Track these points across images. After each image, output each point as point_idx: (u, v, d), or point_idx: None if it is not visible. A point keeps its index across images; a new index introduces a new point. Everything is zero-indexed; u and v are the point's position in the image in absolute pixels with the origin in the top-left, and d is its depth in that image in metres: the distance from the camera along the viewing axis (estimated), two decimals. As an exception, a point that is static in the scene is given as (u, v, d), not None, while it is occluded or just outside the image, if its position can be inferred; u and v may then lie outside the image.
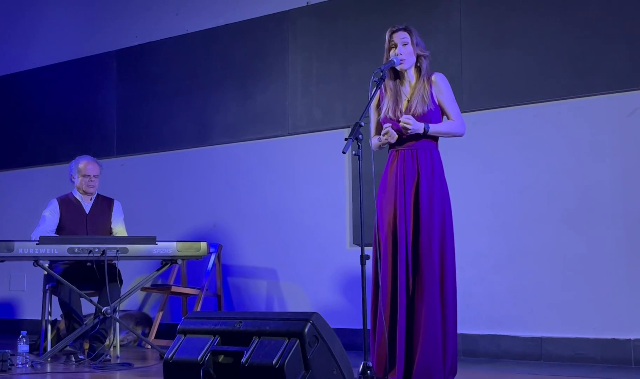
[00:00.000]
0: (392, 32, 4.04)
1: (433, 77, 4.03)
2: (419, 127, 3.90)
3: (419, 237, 3.90)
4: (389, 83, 4.06)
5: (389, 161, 4.06)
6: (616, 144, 5.05)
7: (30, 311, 7.51)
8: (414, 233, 3.92)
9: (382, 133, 3.97)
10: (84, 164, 5.53)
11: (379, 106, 4.12)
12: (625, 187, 5.00)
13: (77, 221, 5.47)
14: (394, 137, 3.92)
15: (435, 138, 4.03)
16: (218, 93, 6.77)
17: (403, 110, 4.00)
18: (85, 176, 5.50)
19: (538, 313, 5.18)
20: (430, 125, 3.93)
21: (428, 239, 3.88)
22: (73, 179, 5.57)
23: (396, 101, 4.03)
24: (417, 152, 3.98)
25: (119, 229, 5.59)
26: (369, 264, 3.80)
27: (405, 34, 4.02)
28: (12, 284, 7.71)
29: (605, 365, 4.88)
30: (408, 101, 4.02)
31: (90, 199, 5.58)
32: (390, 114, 4.03)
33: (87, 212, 5.53)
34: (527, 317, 5.22)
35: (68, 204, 5.51)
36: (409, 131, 3.90)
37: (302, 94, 6.33)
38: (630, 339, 4.88)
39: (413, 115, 3.95)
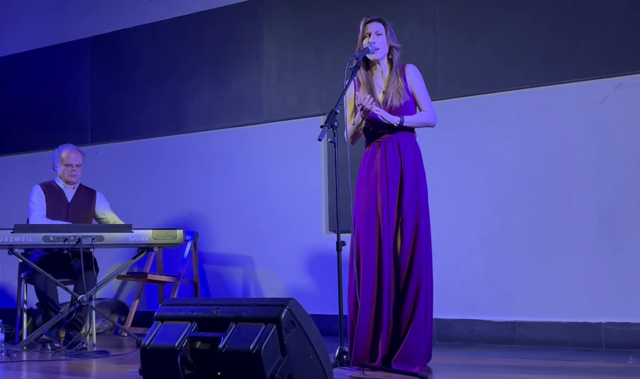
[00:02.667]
0: (367, 22, 4.07)
1: (406, 68, 4.08)
2: (395, 120, 3.94)
3: (404, 227, 3.94)
4: (361, 73, 4.09)
5: (371, 152, 4.07)
6: (588, 131, 5.12)
7: (6, 300, 7.47)
8: (399, 223, 3.96)
9: (357, 103, 3.92)
10: (67, 153, 5.50)
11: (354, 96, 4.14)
12: (596, 173, 5.07)
13: (59, 209, 5.45)
14: (370, 103, 3.89)
15: (412, 129, 4.07)
16: (193, 80, 6.76)
17: (380, 102, 4.03)
18: (67, 165, 5.48)
19: (511, 298, 5.26)
20: (405, 117, 3.96)
21: (415, 229, 3.92)
22: (56, 168, 5.54)
23: (371, 92, 4.06)
24: (398, 143, 4.01)
25: (110, 215, 5.59)
26: (345, 250, 3.84)
27: (379, 25, 4.05)
28: (-14, 273, 7.66)
29: (576, 348, 4.96)
30: (384, 93, 4.05)
31: (73, 188, 5.56)
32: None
33: (69, 200, 5.52)
34: (500, 302, 5.29)
35: (51, 191, 5.49)
36: (374, 112, 3.88)
37: (277, 82, 6.34)
38: (601, 323, 4.96)
39: (390, 107, 3.98)
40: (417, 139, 4.11)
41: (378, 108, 3.94)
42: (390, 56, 4.09)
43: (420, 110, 4.08)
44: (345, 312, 3.84)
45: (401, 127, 4.00)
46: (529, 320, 5.19)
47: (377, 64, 4.09)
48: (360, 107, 3.90)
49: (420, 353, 3.88)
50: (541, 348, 5.05)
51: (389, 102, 3.99)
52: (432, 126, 4.12)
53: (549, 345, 5.09)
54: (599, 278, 5.00)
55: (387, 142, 4.03)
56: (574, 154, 5.15)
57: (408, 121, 3.98)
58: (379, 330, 3.91)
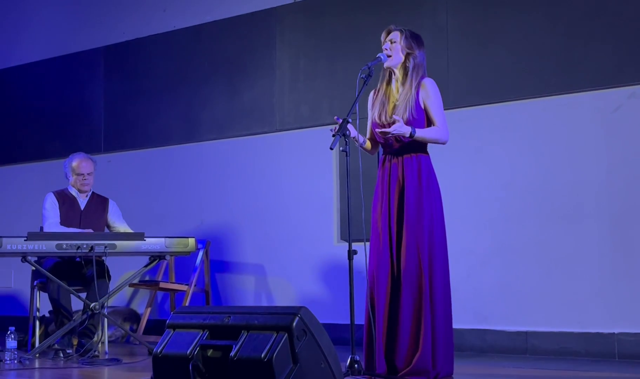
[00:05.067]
0: (388, 32, 4.07)
1: (422, 82, 4.01)
2: (406, 130, 3.88)
3: (404, 241, 3.91)
4: (382, 85, 4.09)
5: (379, 165, 4.09)
6: (601, 140, 5.11)
7: (18, 307, 7.50)
8: (398, 237, 3.95)
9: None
10: (78, 163, 5.52)
11: (373, 107, 4.14)
12: (609, 183, 5.05)
13: (72, 217, 5.47)
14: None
15: (423, 146, 4.02)
16: (205, 90, 6.79)
17: (388, 112, 4.01)
18: (79, 174, 5.49)
19: (523, 308, 5.24)
20: (416, 130, 3.90)
21: (414, 244, 3.88)
22: (68, 177, 5.57)
23: (383, 103, 4.06)
24: (402, 158, 3.98)
25: (121, 226, 5.61)
26: (357, 259, 3.83)
27: (396, 33, 4.04)
28: (-1, 281, 7.70)
29: (589, 359, 4.94)
30: (394, 105, 4.03)
31: (86, 196, 5.58)
32: (376, 118, 4.05)
33: (82, 208, 5.54)
34: (513, 311, 5.27)
35: (64, 199, 5.51)
36: (393, 134, 3.88)
37: (289, 91, 6.35)
38: (614, 333, 4.94)
39: (397, 120, 3.95)
40: (429, 154, 4.06)
41: (394, 128, 3.87)
42: (407, 64, 4.06)
43: (433, 125, 4.04)
44: (357, 321, 3.84)
45: (410, 144, 3.97)
46: (541, 330, 5.17)
47: (393, 73, 4.08)
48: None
49: (426, 365, 3.82)
50: (554, 358, 5.02)
51: (395, 115, 3.96)
52: (443, 143, 4.04)
53: (561, 355, 5.06)
54: (611, 288, 4.97)
55: (392, 157, 4.02)
56: (586, 163, 5.13)
57: (419, 133, 3.91)
58: (393, 341, 3.89)
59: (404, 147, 3.98)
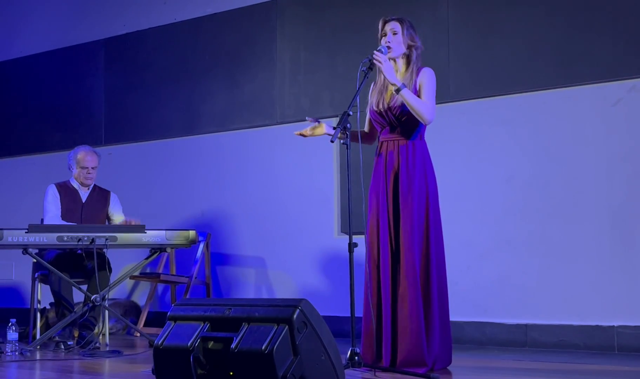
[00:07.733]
0: (385, 22, 4.08)
1: (422, 70, 4.04)
2: (397, 83, 3.85)
3: (399, 230, 3.93)
4: (380, 74, 4.09)
5: (376, 152, 4.10)
6: (601, 133, 5.11)
7: (19, 299, 7.51)
8: (395, 225, 3.96)
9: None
10: (83, 155, 5.51)
11: (371, 95, 4.16)
12: (609, 176, 5.06)
13: (73, 209, 5.48)
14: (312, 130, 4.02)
15: (418, 129, 4.03)
16: (206, 82, 6.78)
17: (386, 99, 4.03)
18: (83, 167, 5.50)
19: (523, 301, 5.25)
20: (405, 89, 3.87)
21: (408, 231, 3.89)
22: (71, 169, 5.57)
23: (381, 91, 4.07)
24: (398, 145, 4.00)
25: (119, 219, 5.61)
26: (358, 252, 3.84)
27: (396, 24, 4.04)
28: (0, 273, 7.70)
29: (589, 351, 4.95)
30: (392, 92, 4.03)
31: (88, 189, 5.59)
32: (374, 105, 4.07)
33: (84, 201, 5.54)
34: (512, 304, 5.28)
35: (66, 191, 5.52)
36: (381, 65, 3.86)
37: (290, 83, 6.35)
38: (613, 326, 4.95)
39: (394, 106, 3.96)
40: (425, 141, 4.07)
41: (387, 65, 3.87)
42: (408, 55, 4.06)
43: None
44: (357, 313, 3.85)
45: (406, 131, 3.98)
46: (540, 323, 5.18)
47: (394, 63, 4.08)
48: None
49: (420, 357, 3.83)
50: (553, 351, 5.03)
51: (393, 100, 3.97)
52: (425, 121, 3.95)
53: (560, 348, 5.08)
54: (611, 281, 4.98)
55: (389, 142, 4.03)
56: (586, 156, 5.14)
57: (406, 91, 3.86)
58: (394, 332, 3.90)
59: (401, 133, 3.99)
